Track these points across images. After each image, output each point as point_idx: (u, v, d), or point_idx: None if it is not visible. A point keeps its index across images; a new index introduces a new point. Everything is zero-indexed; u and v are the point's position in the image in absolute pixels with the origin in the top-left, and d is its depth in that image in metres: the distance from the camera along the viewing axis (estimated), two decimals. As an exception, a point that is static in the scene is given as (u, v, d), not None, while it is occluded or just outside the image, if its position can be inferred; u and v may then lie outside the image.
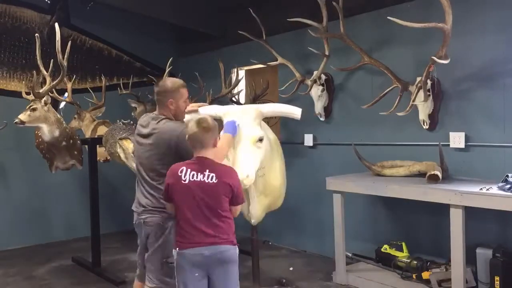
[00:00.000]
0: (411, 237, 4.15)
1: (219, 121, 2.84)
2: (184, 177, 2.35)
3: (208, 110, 3.04)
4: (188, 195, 2.34)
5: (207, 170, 2.34)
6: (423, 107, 3.87)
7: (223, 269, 2.38)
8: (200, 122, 2.38)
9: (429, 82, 3.72)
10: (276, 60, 4.78)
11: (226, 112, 2.85)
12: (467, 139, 3.79)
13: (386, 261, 4.06)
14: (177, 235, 2.43)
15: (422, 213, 4.02)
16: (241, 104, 5.33)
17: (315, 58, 4.55)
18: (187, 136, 2.41)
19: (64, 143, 4.33)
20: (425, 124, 3.95)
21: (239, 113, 2.82)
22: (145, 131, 2.70)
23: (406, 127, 4.16)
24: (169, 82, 2.74)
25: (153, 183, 2.63)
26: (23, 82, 5.47)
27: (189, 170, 2.36)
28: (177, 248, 2.39)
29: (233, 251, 2.41)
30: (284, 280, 4.08)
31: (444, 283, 3.51)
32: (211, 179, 2.33)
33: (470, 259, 3.39)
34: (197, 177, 2.34)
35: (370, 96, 4.20)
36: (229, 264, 2.40)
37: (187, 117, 2.83)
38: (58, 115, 4.26)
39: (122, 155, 4.06)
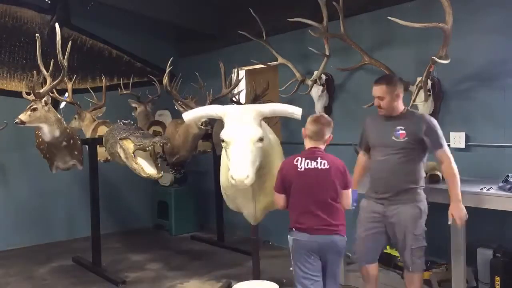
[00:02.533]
0: (411, 237, 4.13)
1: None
2: (300, 165, 2.64)
3: (208, 110, 3.05)
4: (304, 181, 2.62)
5: (319, 158, 2.65)
6: (424, 107, 3.85)
7: (335, 258, 2.72)
8: (322, 117, 2.80)
9: (429, 82, 3.71)
10: (276, 60, 4.78)
11: (226, 112, 2.85)
12: (467, 139, 3.79)
13: (386, 261, 4.05)
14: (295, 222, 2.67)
15: (423, 213, 4.01)
16: (241, 104, 5.33)
17: (315, 58, 4.54)
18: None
19: (64, 143, 4.33)
20: (425, 124, 3.94)
21: (239, 113, 2.82)
22: None
23: (407, 127, 4.15)
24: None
25: None
26: (24, 82, 5.47)
27: (303, 159, 2.65)
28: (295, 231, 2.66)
29: (344, 241, 2.74)
30: (284, 280, 4.08)
31: (444, 283, 3.51)
32: (323, 165, 2.64)
33: (470, 259, 3.38)
34: (311, 165, 2.64)
35: (371, 96, 4.18)
36: (341, 254, 2.78)
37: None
38: (59, 115, 4.25)
39: (122, 155, 4.04)
